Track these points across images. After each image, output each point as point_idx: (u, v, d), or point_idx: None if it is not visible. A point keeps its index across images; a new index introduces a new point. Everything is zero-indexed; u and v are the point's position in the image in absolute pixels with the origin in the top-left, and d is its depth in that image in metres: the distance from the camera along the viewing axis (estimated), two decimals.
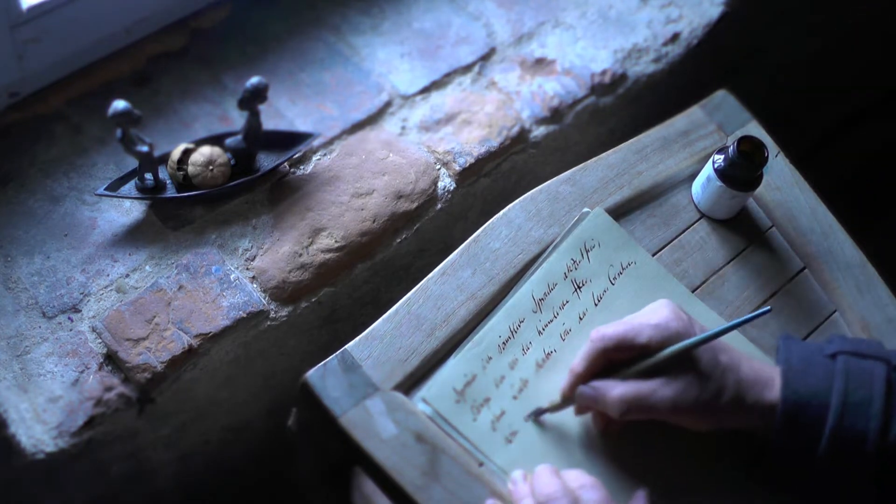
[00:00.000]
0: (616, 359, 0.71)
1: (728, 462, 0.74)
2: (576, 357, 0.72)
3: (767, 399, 0.69)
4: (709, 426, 0.71)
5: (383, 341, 0.74)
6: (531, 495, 0.68)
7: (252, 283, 0.84)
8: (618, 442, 0.74)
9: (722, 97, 0.94)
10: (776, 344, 0.74)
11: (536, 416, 0.73)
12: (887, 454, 0.67)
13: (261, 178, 0.87)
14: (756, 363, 0.71)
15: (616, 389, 0.69)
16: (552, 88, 0.99)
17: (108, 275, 0.82)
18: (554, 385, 0.74)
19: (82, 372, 0.77)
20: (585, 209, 0.83)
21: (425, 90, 0.98)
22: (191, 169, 0.84)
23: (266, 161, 0.88)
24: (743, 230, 0.87)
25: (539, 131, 0.98)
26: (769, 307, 0.70)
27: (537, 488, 0.68)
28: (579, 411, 0.73)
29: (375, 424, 0.70)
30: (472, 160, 0.93)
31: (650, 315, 0.72)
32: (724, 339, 0.72)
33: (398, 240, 0.90)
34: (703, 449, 0.74)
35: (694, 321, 0.72)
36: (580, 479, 0.68)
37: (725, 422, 0.70)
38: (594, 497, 0.67)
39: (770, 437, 0.69)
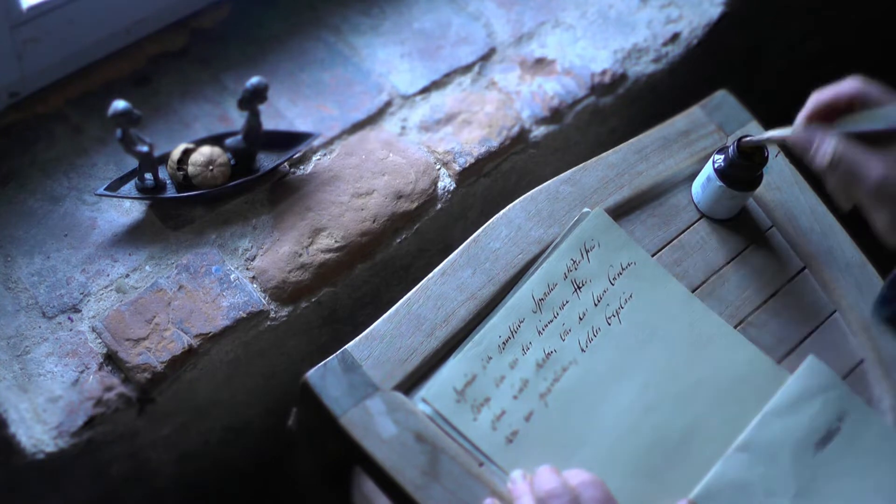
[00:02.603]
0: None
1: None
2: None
3: None
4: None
5: (383, 341, 0.74)
6: (530, 493, 0.68)
7: (252, 283, 0.84)
8: (620, 443, 0.74)
9: (722, 97, 0.94)
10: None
11: (747, 141, 0.76)
12: None
13: (261, 178, 0.87)
14: None
15: (834, 140, 0.68)
16: (552, 88, 0.99)
17: (108, 275, 0.82)
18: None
19: (82, 372, 0.77)
20: (585, 209, 0.83)
21: (425, 90, 0.98)
22: (191, 169, 0.84)
23: (266, 161, 0.88)
24: (743, 230, 0.87)
25: (539, 131, 0.98)
26: None
27: (537, 485, 0.68)
28: (796, 146, 0.71)
29: (375, 424, 0.70)
30: (472, 160, 0.93)
31: None
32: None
33: (398, 240, 0.90)
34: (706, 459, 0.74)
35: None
36: (580, 476, 0.68)
37: None
38: (595, 494, 0.67)
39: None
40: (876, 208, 0.67)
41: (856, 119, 0.69)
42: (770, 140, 0.75)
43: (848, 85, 0.70)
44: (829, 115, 0.70)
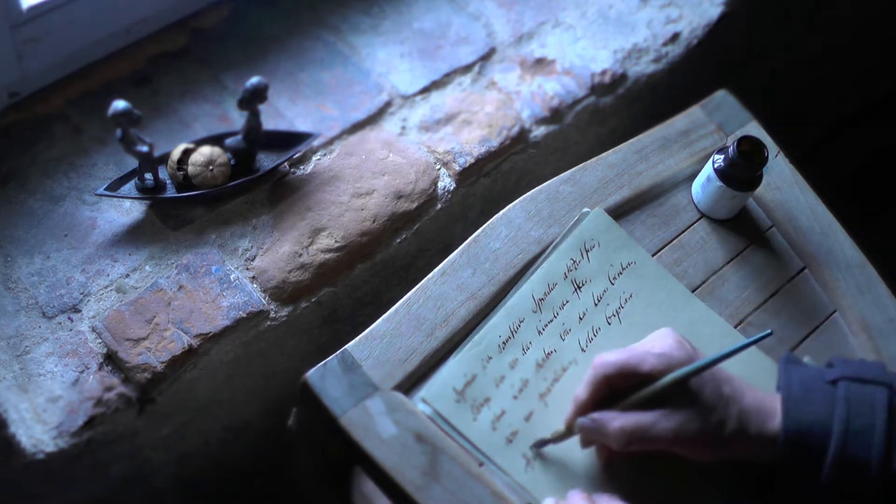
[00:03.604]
0: (619, 387, 0.70)
1: (737, 491, 0.74)
2: (580, 385, 0.71)
3: (770, 429, 0.68)
4: (712, 457, 0.69)
5: (383, 341, 0.74)
6: None
7: (252, 283, 0.84)
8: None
9: (722, 97, 0.94)
10: (777, 367, 0.73)
11: (539, 447, 0.72)
12: (891, 481, 0.66)
13: (261, 178, 0.87)
14: (759, 393, 0.70)
15: (617, 421, 0.68)
16: (552, 88, 0.99)
17: (108, 275, 0.82)
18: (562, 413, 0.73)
19: (82, 372, 0.77)
20: (585, 209, 0.83)
21: (425, 90, 0.97)
22: (191, 169, 0.84)
23: (266, 161, 0.88)
24: (743, 230, 0.87)
25: (539, 131, 0.98)
26: (770, 330, 0.69)
27: None
28: (584, 444, 0.72)
29: (375, 424, 0.70)
30: (472, 160, 0.93)
31: (654, 343, 0.71)
32: (728, 367, 0.71)
33: (398, 240, 0.90)
34: (712, 476, 0.74)
35: (697, 350, 0.71)
36: (613, 502, 0.68)
37: (729, 453, 0.69)
38: None
39: (773, 468, 0.68)
40: (681, 453, 0.69)
41: (625, 403, 0.70)
42: (561, 437, 0.72)
43: (595, 373, 0.70)
44: (603, 399, 0.70)
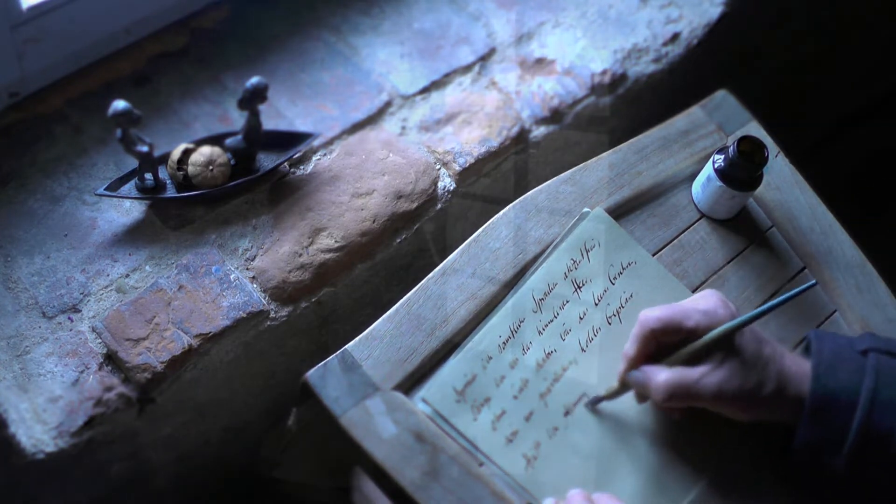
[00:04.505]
0: (665, 343, 0.71)
1: (757, 459, 0.74)
2: (627, 341, 0.72)
3: (805, 392, 0.69)
4: (750, 417, 0.71)
5: (383, 341, 0.74)
6: None
7: (252, 283, 0.84)
8: (619, 443, 0.74)
9: (722, 97, 0.94)
10: (807, 337, 0.74)
11: (595, 404, 0.74)
12: None
13: (261, 178, 0.87)
14: (798, 357, 0.72)
15: (661, 375, 0.70)
16: (552, 88, 0.99)
17: (108, 275, 0.82)
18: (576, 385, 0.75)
19: (82, 372, 0.77)
20: (585, 209, 0.83)
21: (425, 90, 0.98)
22: (191, 169, 0.84)
23: (266, 161, 0.88)
24: (743, 230, 0.87)
25: (539, 131, 0.98)
26: (815, 281, 0.71)
27: None
28: (640, 398, 0.73)
29: (375, 424, 0.70)
30: (472, 160, 0.93)
31: (698, 301, 0.73)
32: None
33: (398, 240, 0.90)
34: (725, 454, 0.74)
35: (740, 312, 0.73)
36: (611, 501, 0.68)
37: (767, 413, 0.71)
38: None
39: (799, 432, 0.69)
40: (719, 410, 0.70)
41: (672, 358, 0.71)
42: (615, 393, 0.74)
43: (641, 329, 0.71)
44: (650, 358, 0.72)
